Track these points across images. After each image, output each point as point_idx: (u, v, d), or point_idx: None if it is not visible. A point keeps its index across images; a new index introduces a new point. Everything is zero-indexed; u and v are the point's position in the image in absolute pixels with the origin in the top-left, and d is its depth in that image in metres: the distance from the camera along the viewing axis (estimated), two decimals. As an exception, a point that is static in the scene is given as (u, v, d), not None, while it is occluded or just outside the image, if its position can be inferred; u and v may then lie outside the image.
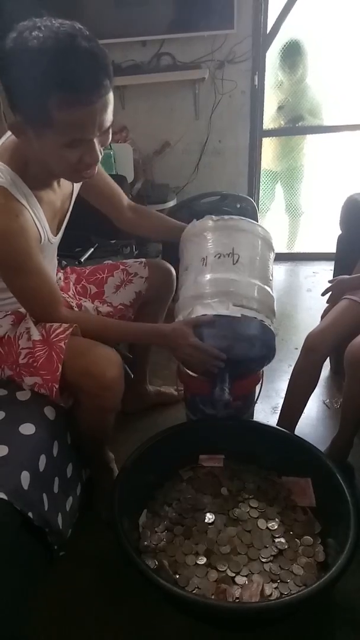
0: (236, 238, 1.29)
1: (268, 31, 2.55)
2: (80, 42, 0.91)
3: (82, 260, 1.87)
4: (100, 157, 1.03)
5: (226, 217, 1.32)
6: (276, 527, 1.25)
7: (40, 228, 1.12)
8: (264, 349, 1.26)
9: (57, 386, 1.11)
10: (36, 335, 1.16)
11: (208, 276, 1.26)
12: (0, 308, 1.23)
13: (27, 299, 1.14)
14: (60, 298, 1.19)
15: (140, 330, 1.31)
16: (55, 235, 1.22)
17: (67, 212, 1.26)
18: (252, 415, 1.56)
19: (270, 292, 1.30)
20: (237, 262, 1.25)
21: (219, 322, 1.20)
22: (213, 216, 1.32)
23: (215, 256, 1.27)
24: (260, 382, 1.45)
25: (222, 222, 1.31)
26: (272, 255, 1.37)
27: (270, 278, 1.33)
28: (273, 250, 1.38)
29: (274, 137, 2.92)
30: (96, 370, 1.09)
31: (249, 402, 1.49)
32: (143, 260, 1.52)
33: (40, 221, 1.12)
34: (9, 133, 1.09)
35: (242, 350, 1.23)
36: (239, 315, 1.19)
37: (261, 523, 1.26)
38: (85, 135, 0.97)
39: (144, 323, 1.32)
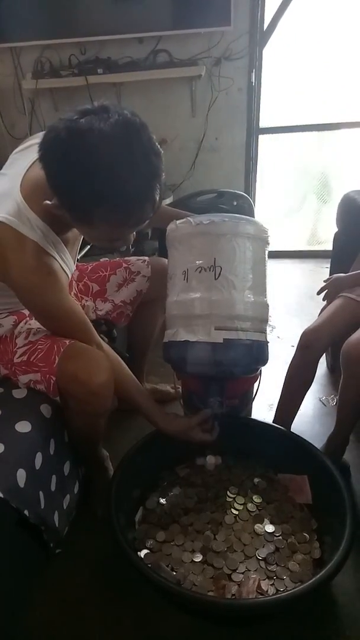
0: (218, 246, 1.20)
1: (265, 28, 2.54)
2: (140, 159, 0.88)
3: (77, 257, 1.87)
4: (132, 240, 1.06)
5: (206, 221, 1.21)
6: (272, 524, 1.25)
7: (67, 269, 1.14)
8: (253, 363, 1.27)
9: (54, 378, 1.11)
10: (42, 332, 1.18)
11: (189, 295, 1.22)
12: (3, 309, 1.23)
13: (62, 336, 1.16)
14: (93, 334, 1.19)
15: (147, 408, 1.27)
16: (74, 263, 1.25)
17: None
18: (250, 412, 1.56)
19: (261, 300, 1.26)
20: (219, 276, 1.19)
21: (202, 348, 1.19)
22: (192, 220, 1.23)
23: (196, 270, 1.21)
24: (258, 380, 1.45)
25: (202, 227, 1.21)
26: (265, 250, 1.30)
27: (263, 281, 1.28)
28: (267, 243, 1.31)
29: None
30: (84, 375, 1.08)
31: (247, 400, 1.49)
32: (146, 258, 1.52)
33: (67, 262, 1.14)
34: (30, 160, 1.07)
35: (229, 370, 1.23)
36: (221, 341, 1.18)
37: (258, 520, 1.26)
38: (124, 236, 1.02)
39: (156, 407, 1.29)
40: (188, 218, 1.25)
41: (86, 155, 0.86)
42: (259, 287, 1.27)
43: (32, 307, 1.12)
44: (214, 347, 1.19)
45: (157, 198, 0.94)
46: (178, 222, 1.26)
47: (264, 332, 1.27)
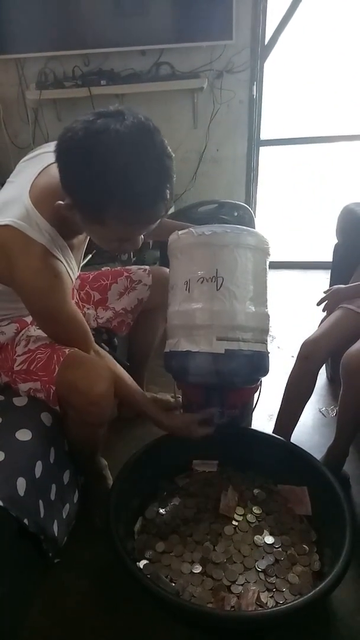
0: (220, 256, 1.20)
1: (266, 42, 2.57)
2: (153, 160, 0.92)
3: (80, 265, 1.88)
4: (140, 244, 1.07)
5: (208, 231, 1.21)
6: (272, 535, 1.25)
7: (72, 274, 1.15)
8: (254, 373, 1.27)
9: (54, 388, 1.11)
10: (42, 340, 1.19)
11: (191, 305, 1.22)
12: (4, 315, 1.23)
13: (61, 341, 1.17)
14: (91, 341, 1.20)
15: (149, 412, 1.28)
16: (79, 267, 1.26)
17: (86, 240, 1.27)
18: (250, 423, 1.56)
19: (262, 312, 1.26)
20: (221, 286, 1.19)
21: (204, 359, 1.19)
22: (194, 230, 1.23)
23: (198, 280, 1.21)
24: (258, 391, 1.45)
25: (204, 238, 1.21)
26: (266, 261, 1.31)
27: (264, 292, 1.29)
28: (268, 254, 1.31)
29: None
30: (84, 385, 1.08)
31: (247, 410, 1.49)
32: (147, 267, 1.53)
33: (72, 268, 1.15)
34: (39, 168, 1.09)
35: (231, 380, 1.23)
36: (223, 351, 1.18)
37: (257, 531, 1.26)
38: (133, 237, 1.03)
39: (156, 409, 1.29)
40: (190, 229, 1.25)
41: (102, 154, 0.88)
42: (260, 298, 1.27)
43: (35, 310, 1.12)
44: (216, 357, 1.19)
45: (169, 198, 0.97)
46: (180, 232, 1.26)
47: (265, 342, 1.27)
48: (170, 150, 0.95)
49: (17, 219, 1.01)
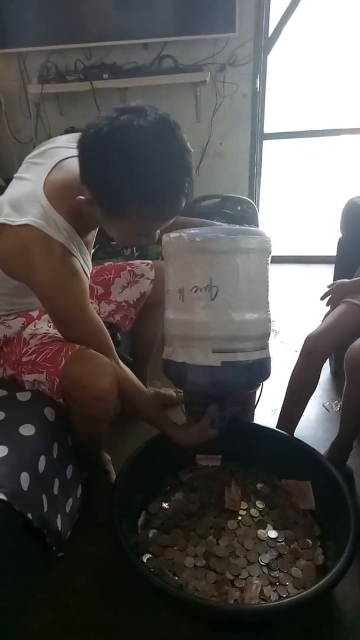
0: (214, 264, 1.13)
1: (270, 34, 2.55)
2: (176, 155, 0.93)
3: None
4: (157, 238, 1.08)
5: (199, 237, 1.12)
6: (275, 530, 1.25)
7: (87, 270, 1.15)
8: (254, 380, 1.26)
9: (58, 380, 1.12)
10: (58, 336, 1.19)
11: (185, 316, 1.17)
12: (11, 310, 1.24)
13: (78, 342, 1.16)
14: (110, 346, 1.18)
15: (159, 421, 1.28)
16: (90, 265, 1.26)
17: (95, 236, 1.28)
18: (252, 417, 1.56)
19: (261, 318, 1.21)
20: (215, 296, 1.13)
21: (200, 371, 1.17)
22: (185, 235, 1.14)
23: (192, 289, 1.15)
24: (260, 387, 1.44)
25: (196, 244, 1.12)
26: (267, 261, 1.23)
27: (264, 297, 1.23)
28: (269, 253, 1.22)
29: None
30: (88, 380, 1.08)
31: (249, 406, 1.49)
32: (150, 261, 1.53)
33: (87, 263, 1.15)
34: (50, 164, 1.09)
35: (228, 391, 1.23)
36: (219, 364, 1.15)
37: (261, 525, 1.26)
38: (152, 232, 1.04)
39: (171, 422, 1.29)
40: (181, 233, 1.16)
41: (126, 149, 0.89)
42: (260, 302, 1.21)
43: (52, 309, 1.11)
44: (212, 370, 1.15)
45: (188, 192, 0.97)
46: (172, 235, 1.19)
47: (265, 347, 1.24)
48: (189, 145, 0.96)
49: (35, 218, 1.01)
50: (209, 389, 1.20)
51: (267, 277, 1.23)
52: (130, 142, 0.89)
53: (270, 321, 1.27)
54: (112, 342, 1.20)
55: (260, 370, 1.23)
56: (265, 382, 1.43)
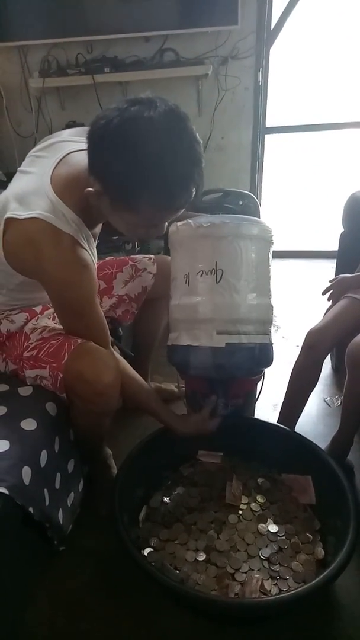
0: (219, 248, 1.19)
1: (272, 27, 2.53)
2: (186, 146, 0.93)
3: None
4: (165, 230, 1.08)
5: (205, 223, 1.19)
6: (276, 524, 1.25)
7: (95, 261, 1.15)
8: (256, 366, 1.26)
9: (62, 375, 1.12)
10: (57, 330, 1.19)
11: (191, 299, 1.21)
12: (15, 305, 1.24)
13: (79, 336, 1.16)
14: (108, 338, 1.20)
15: (159, 410, 1.28)
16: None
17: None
18: (253, 412, 1.56)
19: (264, 302, 1.25)
20: (220, 279, 1.18)
21: (205, 353, 1.19)
22: (192, 222, 1.21)
23: (197, 273, 1.20)
24: (262, 380, 1.45)
25: (202, 229, 1.19)
26: (269, 250, 1.29)
27: (266, 282, 1.27)
28: (271, 243, 1.29)
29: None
30: (90, 375, 1.08)
31: (250, 399, 1.49)
32: (152, 256, 1.53)
33: (93, 255, 1.15)
34: (57, 157, 1.08)
35: (233, 374, 1.23)
36: (223, 346, 1.17)
37: (261, 520, 1.26)
38: (162, 223, 1.04)
39: (170, 411, 1.31)
40: (188, 220, 1.23)
41: (137, 140, 0.90)
42: (263, 288, 1.25)
43: (61, 303, 1.11)
44: (217, 351, 1.18)
45: (199, 183, 0.98)
46: (179, 224, 1.25)
47: (268, 333, 1.26)
48: (199, 136, 0.97)
49: (43, 211, 1.01)
50: (213, 371, 1.21)
51: (269, 266, 1.27)
52: (140, 133, 0.90)
53: (272, 309, 1.29)
54: (109, 334, 1.20)
55: (263, 355, 1.24)
56: (266, 377, 1.44)
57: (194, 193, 0.98)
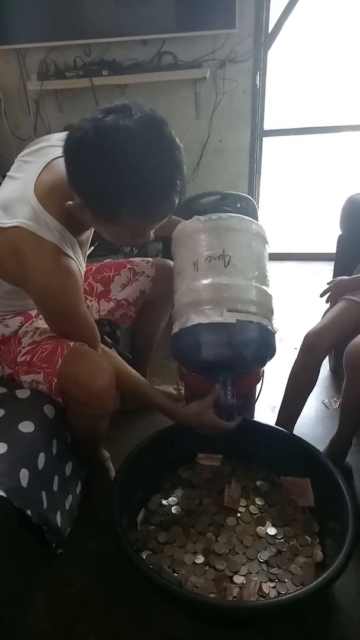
0: (226, 238, 1.26)
1: (270, 31, 2.54)
2: (165, 153, 0.92)
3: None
4: (152, 237, 1.07)
5: (214, 216, 1.27)
6: (274, 526, 1.25)
7: (81, 269, 1.15)
8: (263, 349, 1.26)
9: (56, 380, 1.11)
10: (48, 332, 1.19)
11: (200, 282, 1.23)
12: (8, 310, 1.24)
13: (69, 339, 1.15)
14: (98, 338, 1.20)
15: (159, 399, 1.28)
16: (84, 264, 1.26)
17: (91, 235, 1.27)
18: (252, 414, 1.56)
19: (267, 290, 1.28)
20: (228, 263, 1.22)
21: (215, 330, 1.19)
22: (201, 217, 1.28)
23: (206, 259, 1.24)
24: (261, 381, 1.45)
25: (210, 222, 1.27)
26: (267, 250, 1.34)
27: (266, 275, 1.31)
28: (267, 243, 1.35)
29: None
30: (86, 379, 1.08)
31: (250, 400, 1.49)
32: (150, 259, 1.53)
33: (80, 264, 1.14)
34: (41, 163, 1.07)
35: (242, 353, 1.22)
36: (234, 322, 1.18)
37: (260, 522, 1.26)
38: (146, 232, 1.03)
39: (166, 399, 1.29)
40: (196, 216, 1.29)
41: (114, 152, 0.88)
42: (264, 278, 1.29)
43: (48, 310, 1.11)
44: (228, 328, 1.18)
45: (180, 190, 0.97)
46: (187, 221, 1.30)
47: (271, 322, 1.28)
48: (178, 141, 0.95)
49: (25, 219, 1.00)
50: (223, 350, 1.20)
51: (267, 264, 1.33)
52: (117, 144, 0.88)
53: (272, 300, 1.31)
54: (98, 334, 1.20)
55: (269, 338, 1.26)
56: (264, 378, 1.44)
57: (176, 201, 0.97)
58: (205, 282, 1.23)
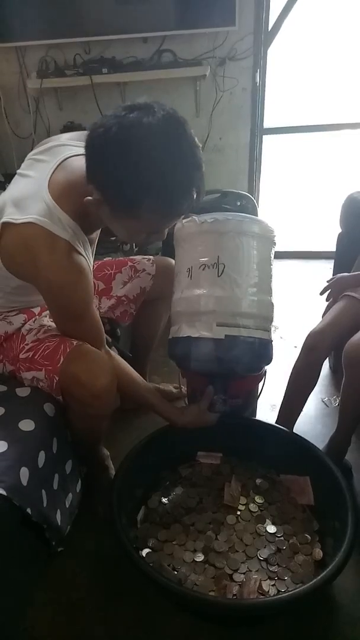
0: (222, 244, 1.22)
1: (270, 28, 2.54)
2: (186, 151, 0.93)
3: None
4: (165, 235, 1.08)
5: (210, 219, 1.23)
6: (274, 525, 1.25)
7: (91, 266, 1.15)
8: (256, 360, 1.27)
9: (57, 378, 1.11)
10: (52, 330, 1.19)
11: (193, 292, 1.23)
12: (12, 307, 1.24)
13: (74, 338, 1.15)
14: (104, 339, 1.20)
15: (157, 403, 1.29)
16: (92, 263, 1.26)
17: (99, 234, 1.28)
18: (254, 412, 1.56)
19: (265, 299, 1.26)
20: (222, 273, 1.20)
21: (204, 344, 1.20)
22: (197, 218, 1.25)
23: (199, 267, 1.23)
24: (263, 381, 1.45)
25: (206, 225, 1.23)
26: (271, 250, 1.32)
27: (269, 280, 1.29)
28: (273, 243, 1.32)
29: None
30: (86, 378, 1.08)
31: (251, 399, 1.49)
32: (151, 257, 1.53)
33: (90, 260, 1.14)
34: (55, 162, 1.08)
35: (231, 367, 1.23)
36: (222, 337, 1.18)
37: (259, 520, 1.26)
38: (163, 229, 1.04)
39: (164, 406, 1.31)
40: (193, 217, 1.26)
41: (137, 147, 0.89)
42: (264, 285, 1.27)
43: (57, 307, 1.11)
44: (216, 343, 1.19)
45: (201, 188, 0.98)
46: (184, 221, 1.28)
47: (268, 330, 1.27)
48: (197, 140, 0.96)
49: (39, 216, 1.00)
50: (211, 363, 1.21)
51: (271, 265, 1.30)
52: (140, 140, 0.89)
53: (273, 307, 1.30)
54: (104, 335, 1.20)
55: (263, 350, 1.25)
56: (266, 377, 1.44)
57: (199, 195, 0.98)
58: (197, 292, 1.22)
